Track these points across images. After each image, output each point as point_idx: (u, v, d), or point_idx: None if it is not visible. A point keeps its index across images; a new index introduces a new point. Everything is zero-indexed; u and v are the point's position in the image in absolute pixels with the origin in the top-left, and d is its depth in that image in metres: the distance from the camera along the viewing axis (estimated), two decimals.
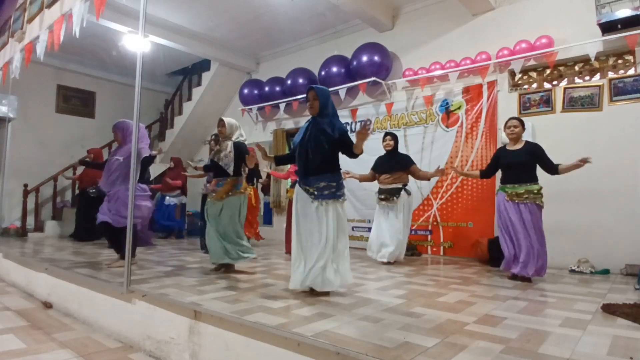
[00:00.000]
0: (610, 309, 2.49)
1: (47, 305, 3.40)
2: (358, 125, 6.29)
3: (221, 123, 3.83)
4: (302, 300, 2.64)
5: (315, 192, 2.82)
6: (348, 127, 6.42)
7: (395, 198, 4.50)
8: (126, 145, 4.09)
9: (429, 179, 4.70)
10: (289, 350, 1.81)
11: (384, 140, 4.69)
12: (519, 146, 3.70)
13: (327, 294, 2.80)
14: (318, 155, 2.84)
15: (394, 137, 4.70)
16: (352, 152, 2.84)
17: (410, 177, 4.66)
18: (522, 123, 3.75)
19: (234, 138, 3.81)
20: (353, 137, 2.85)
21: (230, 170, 3.71)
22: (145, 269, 3.84)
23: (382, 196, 4.59)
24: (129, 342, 2.57)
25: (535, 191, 3.59)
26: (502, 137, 4.76)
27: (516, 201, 3.60)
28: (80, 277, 3.28)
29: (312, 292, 2.81)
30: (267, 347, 1.89)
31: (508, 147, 3.79)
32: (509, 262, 3.67)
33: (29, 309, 3.31)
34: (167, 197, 7.12)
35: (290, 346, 1.81)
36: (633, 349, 1.84)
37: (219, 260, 3.75)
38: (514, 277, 3.61)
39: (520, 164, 3.63)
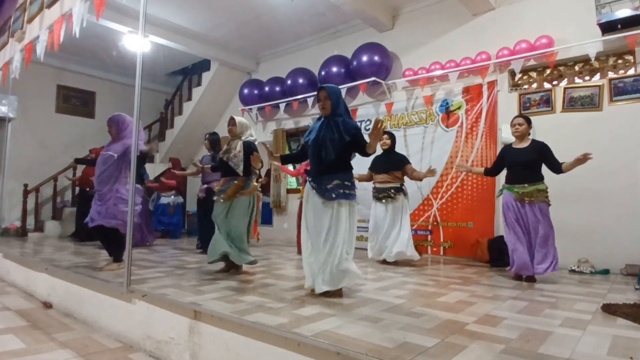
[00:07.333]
0: (610, 309, 2.49)
1: (47, 305, 3.39)
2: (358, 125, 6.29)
3: (232, 122, 3.76)
4: (302, 300, 2.64)
5: (328, 192, 2.78)
6: None
7: (396, 196, 4.47)
8: (120, 141, 3.86)
9: (421, 180, 4.65)
10: (289, 350, 1.81)
11: (380, 139, 4.65)
12: (524, 144, 3.66)
13: (339, 293, 2.79)
14: (331, 155, 2.80)
15: (392, 137, 4.68)
16: (365, 152, 2.78)
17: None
18: (528, 121, 3.70)
19: (244, 137, 3.76)
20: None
21: (240, 170, 3.65)
22: (145, 269, 3.84)
23: (380, 195, 4.57)
24: (129, 342, 2.57)
25: (543, 190, 3.58)
26: (502, 137, 4.78)
27: (526, 201, 3.56)
28: (80, 277, 3.28)
29: (325, 294, 2.74)
30: (267, 347, 1.88)
31: (514, 145, 3.74)
32: (522, 266, 3.52)
33: (29, 309, 3.31)
34: (162, 197, 7.16)
35: (290, 346, 1.81)
36: (633, 349, 1.84)
37: (215, 257, 3.64)
38: (518, 277, 3.59)
39: (526, 163, 3.60)
